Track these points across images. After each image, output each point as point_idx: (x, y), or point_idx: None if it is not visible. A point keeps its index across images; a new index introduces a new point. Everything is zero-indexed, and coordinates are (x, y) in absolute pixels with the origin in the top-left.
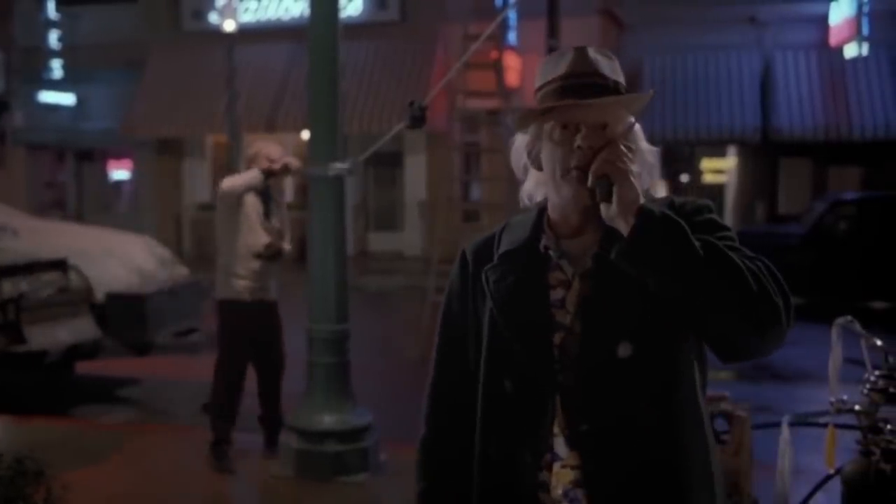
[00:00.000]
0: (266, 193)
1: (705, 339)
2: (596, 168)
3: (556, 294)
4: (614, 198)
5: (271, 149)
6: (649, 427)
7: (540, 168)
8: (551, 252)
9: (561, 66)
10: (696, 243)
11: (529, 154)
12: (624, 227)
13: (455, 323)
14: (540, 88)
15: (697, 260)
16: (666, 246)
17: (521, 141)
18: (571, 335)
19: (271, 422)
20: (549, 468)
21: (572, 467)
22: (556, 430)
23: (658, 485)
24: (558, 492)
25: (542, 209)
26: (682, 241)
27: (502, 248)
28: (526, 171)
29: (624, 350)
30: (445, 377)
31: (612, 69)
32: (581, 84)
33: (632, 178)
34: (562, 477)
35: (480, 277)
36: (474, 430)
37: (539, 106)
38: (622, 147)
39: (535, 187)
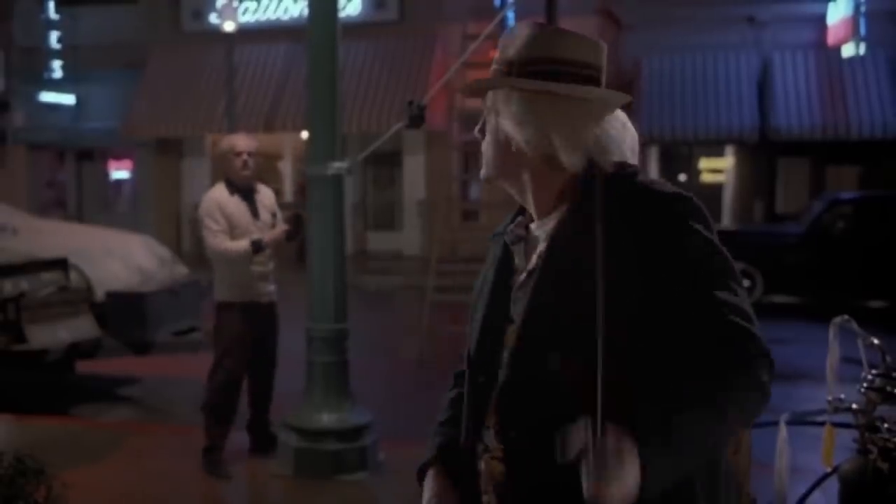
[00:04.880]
0: (247, 192)
1: None
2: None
3: (517, 282)
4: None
5: (237, 141)
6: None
7: None
8: (506, 237)
9: None
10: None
11: None
12: None
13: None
14: None
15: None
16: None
17: None
18: (514, 330)
19: (260, 426)
20: (481, 457)
21: (499, 459)
22: (489, 421)
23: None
24: (484, 482)
25: None
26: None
27: (495, 231)
28: None
29: (552, 361)
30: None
31: (515, 47)
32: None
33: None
34: (491, 467)
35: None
36: None
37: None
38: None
39: None
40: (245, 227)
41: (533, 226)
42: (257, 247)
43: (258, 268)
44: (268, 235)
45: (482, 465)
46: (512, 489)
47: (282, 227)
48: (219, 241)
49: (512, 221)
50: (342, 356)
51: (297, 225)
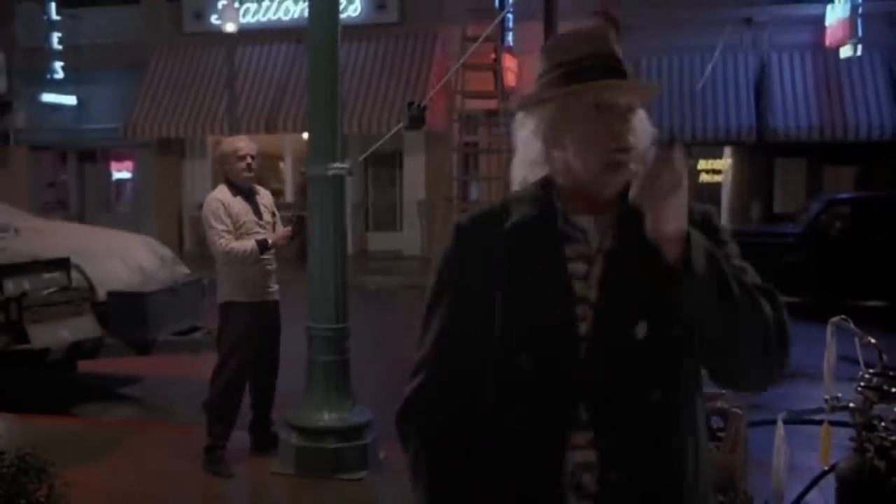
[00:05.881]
0: (248, 193)
1: (711, 366)
2: (644, 189)
3: (577, 266)
4: (658, 223)
5: (239, 144)
6: (659, 410)
7: (557, 147)
8: (570, 227)
9: (583, 48)
10: (735, 288)
11: (547, 134)
12: (670, 255)
13: (460, 306)
14: (558, 66)
15: (735, 306)
16: (709, 289)
17: (535, 121)
18: (593, 310)
19: (262, 426)
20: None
21: (581, 447)
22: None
23: (664, 470)
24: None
25: (545, 186)
26: (724, 286)
27: (513, 221)
28: (533, 150)
29: (640, 330)
30: (451, 367)
31: (621, 53)
32: (608, 66)
33: (677, 205)
34: (586, 456)
35: (490, 252)
36: (483, 419)
37: (558, 86)
38: (676, 162)
39: (531, 167)
40: (250, 227)
41: (578, 217)
42: (263, 247)
43: (266, 266)
44: (273, 236)
45: (578, 456)
46: (609, 462)
47: (287, 228)
48: (224, 241)
49: (500, 215)
50: (343, 355)
51: (300, 226)
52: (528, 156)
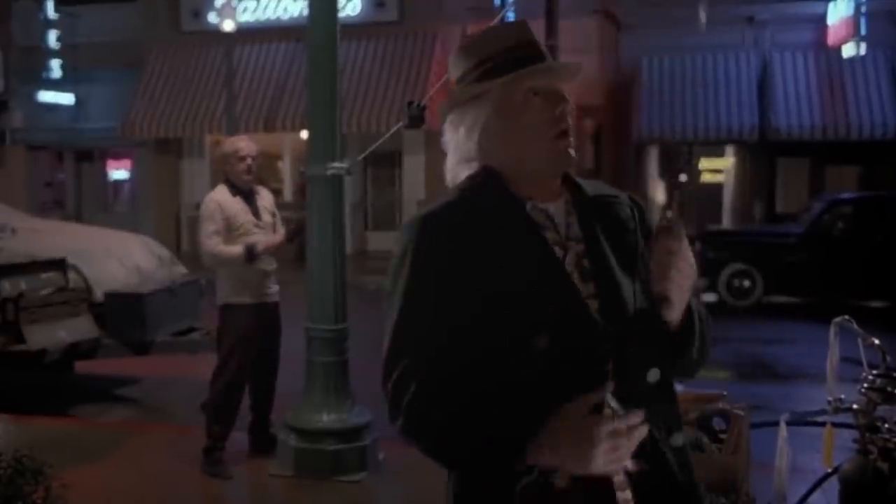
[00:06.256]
0: (248, 194)
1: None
2: (665, 287)
3: (555, 251)
4: (671, 309)
5: (240, 144)
6: (662, 386)
7: (499, 140)
8: (538, 214)
9: (504, 41)
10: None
11: (486, 128)
12: (673, 325)
13: (447, 301)
14: (482, 63)
15: (704, 337)
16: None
17: (470, 119)
18: (586, 295)
19: (261, 427)
20: None
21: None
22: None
23: (679, 447)
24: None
25: (488, 177)
26: (703, 336)
27: (486, 211)
28: (465, 149)
29: (628, 309)
30: (446, 367)
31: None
32: (529, 55)
33: (686, 291)
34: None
35: (470, 243)
36: (489, 415)
37: (485, 81)
38: (684, 249)
39: (466, 165)
40: (248, 228)
41: (551, 207)
42: (250, 253)
43: (266, 267)
44: (262, 243)
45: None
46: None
47: (279, 235)
48: (213, 242)
49: (466, 210)
50: (342, 356)
51: (299, 230)
52: (464, 155)
